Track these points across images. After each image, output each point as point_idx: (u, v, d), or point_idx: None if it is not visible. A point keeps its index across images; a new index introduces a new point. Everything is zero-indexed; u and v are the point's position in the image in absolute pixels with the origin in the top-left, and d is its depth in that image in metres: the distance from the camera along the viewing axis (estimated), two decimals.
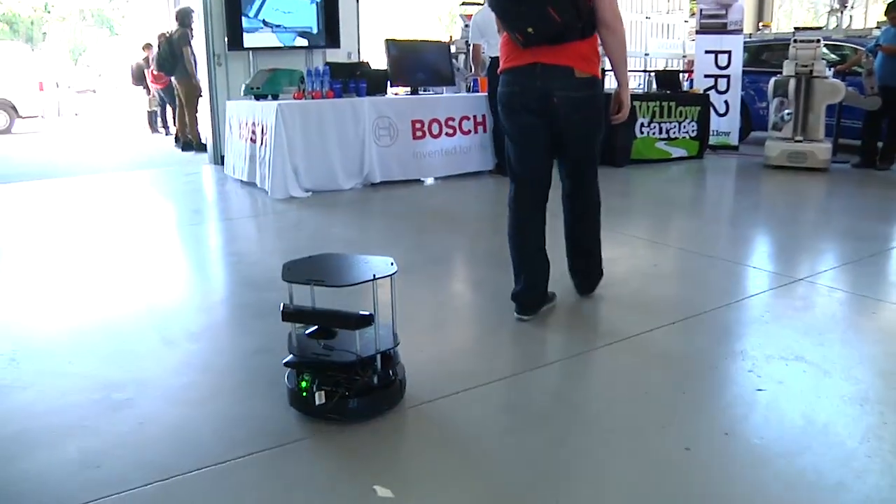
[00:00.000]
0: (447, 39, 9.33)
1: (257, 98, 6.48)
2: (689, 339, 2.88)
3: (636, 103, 7.87)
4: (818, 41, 7.59)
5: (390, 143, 6.46)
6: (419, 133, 6.64)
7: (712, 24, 9.09)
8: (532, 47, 2.81)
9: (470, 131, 7.02)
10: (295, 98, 6.18)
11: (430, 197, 6.30)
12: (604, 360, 2.70)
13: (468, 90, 7.40)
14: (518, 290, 3.07)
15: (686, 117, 8.34)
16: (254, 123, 6.40)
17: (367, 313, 2.18)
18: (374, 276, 2.19)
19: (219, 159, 8.03)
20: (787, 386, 2.41)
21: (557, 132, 2.94)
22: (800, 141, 7.69)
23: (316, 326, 2.33)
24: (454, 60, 7.47)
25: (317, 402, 2.11)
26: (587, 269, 3.34)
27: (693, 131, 8.45)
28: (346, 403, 2.13)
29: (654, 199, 6.41)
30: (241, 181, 6.75)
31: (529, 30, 2.75)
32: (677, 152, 8.27)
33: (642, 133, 7.97)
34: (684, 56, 12.31)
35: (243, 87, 6.72)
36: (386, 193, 6.18)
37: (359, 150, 6.31)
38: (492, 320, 3.11)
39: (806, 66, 7.55)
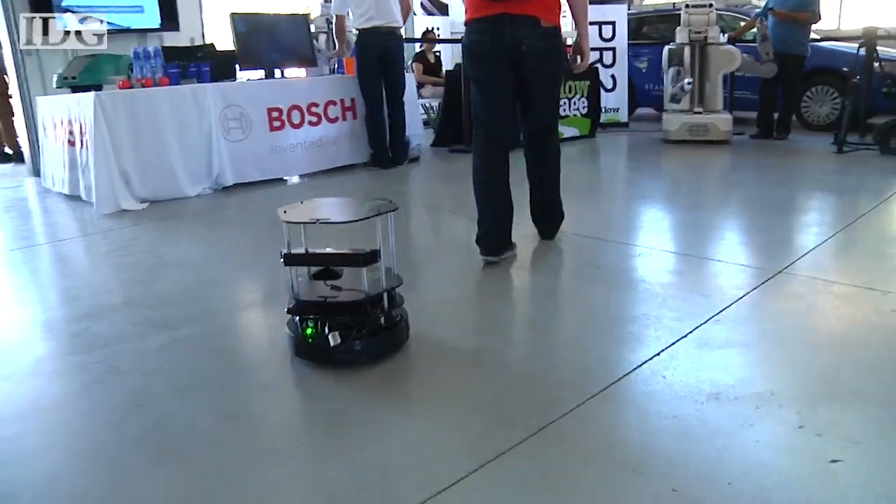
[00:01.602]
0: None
1: (74, 90, 5.24)
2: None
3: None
4: (711, 6, 7.07)
5: (243, 137, 5.35)
6: (277, 123, 5.56)
7: None
8: None
9: (337, 118, 6.01)
10: (121, 87, 4.97)
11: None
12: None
13: (332, 73, 6.37)
14: (483, 232, 3.16)
15: (576, 93, 7.67)
16: (70, 122, 5.15)
17: (373, 249, 2.17)
18: (379, 210, 2.18)
19: (38, 170, 6.63)
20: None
21: (523, 79, 3.09)
22: (699, 112, 7.17)
23: (320, 269, 2.30)
24: (314, 41, 6.41)
25: (332, 343, 2.09)
26: (552, 213, 3.46)
27: (584, 108, 7.80)
28: (354, 346, 2.11)
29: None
30: (64, 194, 5.47)
31: None
32: (569, 132, 7.58)
33: None
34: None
35: (55, 77, 5.45)
36: (242, 198, 5.08)
37: (205, 147, 5.17)
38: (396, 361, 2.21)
39: (700, 32, 7.02)
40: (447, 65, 9.17)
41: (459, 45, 9.26)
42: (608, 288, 2.86)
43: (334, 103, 5.96)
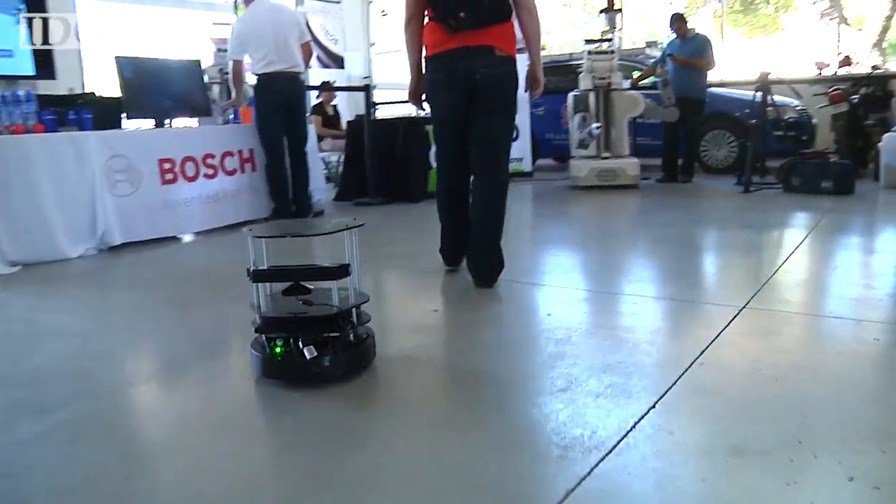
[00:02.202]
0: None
1: None
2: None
3: (428, 128, 6.87)
4: (613, 52, 7.12)
5: (131, 191, 4.79)
6: (169, 176, 5.03)
7: None
8: (461, 32, 3.06)
9: (235, 171, 5.54)
10: None
11: (193, 258, 4.68)
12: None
13: (226, 125, 5.92)
14: (445, 247, 3.55)
15: None
16: None
17: (343, 264, 2.15)
18: (347, 225, 2.18)
19: None
20: None
21: (476, 105, 3.17)
22: (607, 158, 7.14)
23: (290, 285, 2.25)
24: (207, 92, 5.96)
25: (308, 357, 2.06)
26: (492, 254, 3.27)
27: None
28: (325, 361, 2.08)
29: None
30: None
31: (462, 14, 3.03)
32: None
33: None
34: None
35: None
36: (132, 258, 4.50)
37: (87, 202, 4.57)
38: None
39: (604, 78, 7.04)
40: (346, 117, 8.87)
41: (358, 96, 9.05)
42: (569, 334, 2.55)
43: (232, 154, 5.50)
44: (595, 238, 4.91)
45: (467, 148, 3.29)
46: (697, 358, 2.22)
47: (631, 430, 1.75)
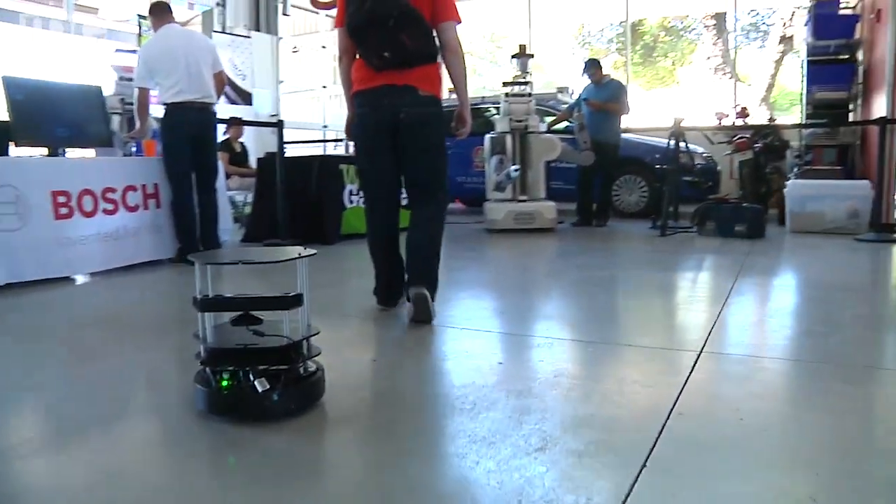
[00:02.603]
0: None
1: None
2: None
3: (343, 167, 6.63)
4: (530, 95, 7.12)
5: (19, 226, 4.28)
6: (64, 210, 4.56)
7: None
8: (385, 70, 3.10)
9: (138, 207, 5.11)
10: None
11: (90, 301, 4.19)
12: None
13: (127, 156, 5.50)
14: (379, 287, 3.49)
15: None
16: None
17: (297, 293, 2.08)
18: (300, 254, 2.11)
19: None
20: None
21: (403, 146, 3.18)
22: (524, 201, 7.08)
23: (237, 314, 2.11)
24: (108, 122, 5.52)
25: (261, 389, 1.94)
26: (429, 281, 3.23)
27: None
28: (276, 395, 1.97)
29: None
30: None
31: (386, 54, 3.06)
32: None
33: (351, 202, 6.71)
34: None
35: None
36: (17, 301, 3.98)
37: None
38: None
39: (521, 121, 7.01)
40: (254, 153, 8.52)
41: (266, 133, 8.71)
42: (529, 384, 2.34)
43: (135, 189, 5.08)
44: (526, 281, 4.76)
45: (396, 186, 3.35)
46: (673, 407, 2.06)
47: (629, 494, 1.54)
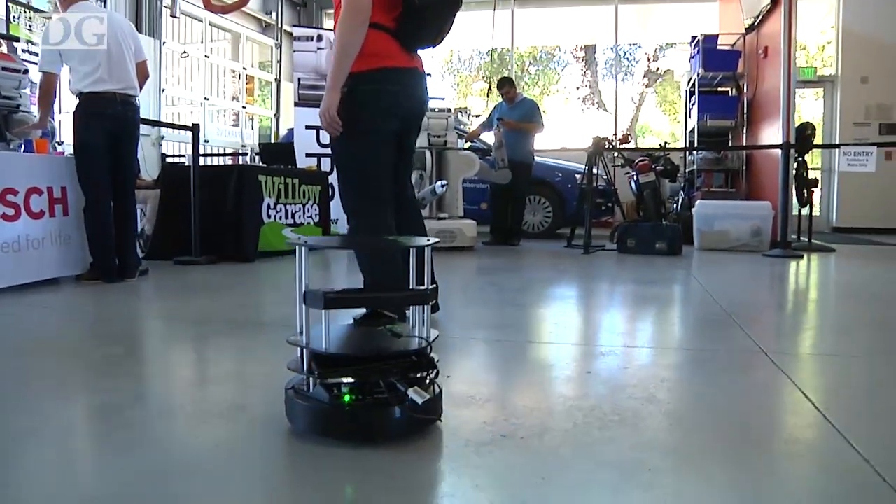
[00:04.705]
0: None
1: None
2: None
3: (262, 178, 6.15)
4: (450, 110, 6.98)
5: None
6: None
7: (313, 96, 7.89)
8: (414, 54, 2.69)
9: (43, 213, 4.36)
10: None
11: None
12: None
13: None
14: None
15: (308, 198, 6.87)
16: None
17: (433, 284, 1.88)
18: (429, 240, 1.85)
19: None
20: None
21: (401, 146, 2.78)
22: (444, 218, 6.88)
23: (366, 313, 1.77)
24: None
25: (420, 401, 1.53)
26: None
27: (316, 215, 7.02)
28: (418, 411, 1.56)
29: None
30: None
31: (444, 37, 2.72)
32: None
33: (269, 217, 6.22)
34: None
35: None
36: None
37: None
38: None
39: (439, 136, 6.83)
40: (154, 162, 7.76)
41: (147, 142, 7.95)
42: (519, 377, 2.12)
43: (39, 192, 4.34)
44: (503, 302, 4.54)
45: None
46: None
47: None
